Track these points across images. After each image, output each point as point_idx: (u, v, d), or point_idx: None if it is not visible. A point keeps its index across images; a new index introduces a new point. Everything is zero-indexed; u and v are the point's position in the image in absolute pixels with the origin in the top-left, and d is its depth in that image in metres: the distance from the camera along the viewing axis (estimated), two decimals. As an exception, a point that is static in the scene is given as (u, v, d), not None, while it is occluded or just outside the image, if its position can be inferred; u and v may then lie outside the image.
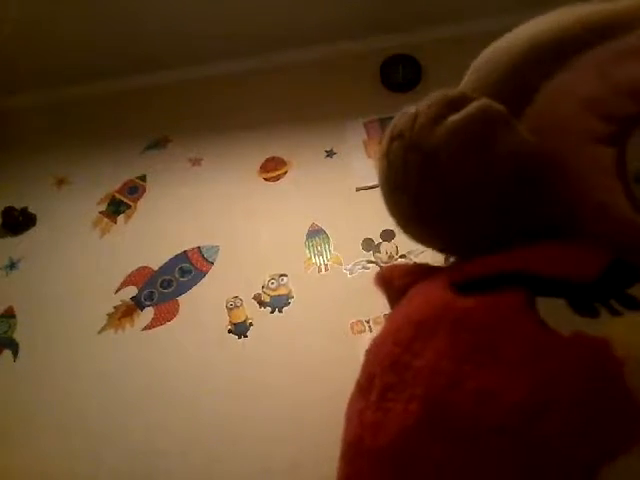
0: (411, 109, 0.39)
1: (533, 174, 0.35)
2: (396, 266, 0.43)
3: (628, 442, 0.22)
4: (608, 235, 0.33)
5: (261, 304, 1.56)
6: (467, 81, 0.47)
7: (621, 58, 0.35)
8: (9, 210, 1.81)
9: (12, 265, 1.72)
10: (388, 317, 0.38)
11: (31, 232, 1.80)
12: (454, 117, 0.36)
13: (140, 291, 1.63)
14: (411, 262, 0.44)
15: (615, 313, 0.28)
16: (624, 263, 0.31)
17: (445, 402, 0.26)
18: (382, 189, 0.41)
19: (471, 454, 0.25)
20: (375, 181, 1.74)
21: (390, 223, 1.70)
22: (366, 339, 1.44)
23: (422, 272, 0.40)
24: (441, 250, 0.43)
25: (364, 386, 0.33)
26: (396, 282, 0.40)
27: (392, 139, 0.39)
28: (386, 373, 0.31)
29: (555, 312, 0.28)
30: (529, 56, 0.40)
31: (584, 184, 0.35)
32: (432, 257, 0.54)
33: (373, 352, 0.35)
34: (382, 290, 0.43)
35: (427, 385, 0.28)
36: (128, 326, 1.58)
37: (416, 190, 0.37)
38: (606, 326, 0.26)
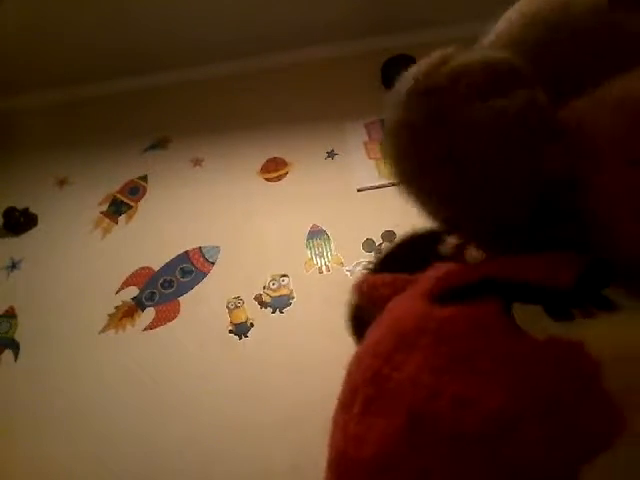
0: (452, 61, 0.32)
1: (563, 178, 0.34)
2: (373, 278, 0.43)
3: (608, 441, 0.23)
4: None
5: (262, 304, 1.56)
6: (505, 32, 0.39)
7: None
8: (10, 210, 1.81)
9: (13, 265, 1.73)
10: (368, 331, 0.37)
11: (32, 232, 1.81)
12: (499, 105, 0.32)
13: (141, 291, 1.63)
14: (387, 275, 0.43)
15: (589, 315, 0.28)
16: (601, 263, 0.32)
17: (426, 413, 0.27)
18: (390, 133, 0.36)
19: (453, 462, 0.25)
20: (376, 182, 1.73)
21: (391, 224, 1.69)
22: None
23: (401, 283, 0.40)
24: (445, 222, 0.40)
25: (347, 398, 0.33)
26: (376, 293, 0.40)
27: (418, 93, 0.33)
28: (367, 386, 0.32)
29: (530, 318, 0.29)
30: (603, 39, 0.33)
31: (612, 205, 0.33)
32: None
33: (355, 365, 0.35)
34: (360, 302, 0.43)
35: (408, 398, 0.28)
36: (129, 326, 1.58)
37: (431, 165, 0.34)
38: (580, 328, 0.27)
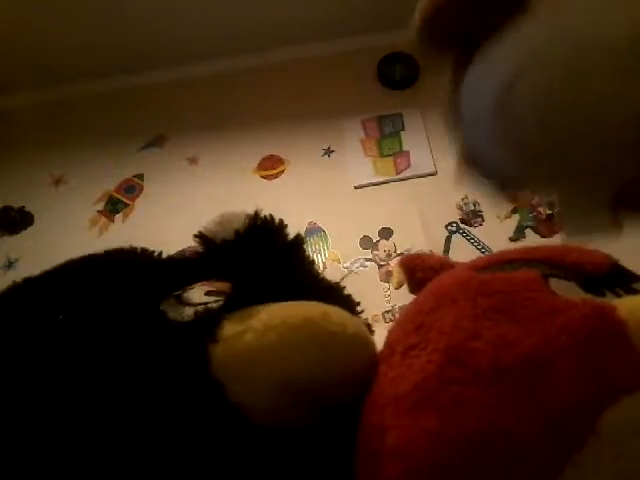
0: None
1: None
2: (421, 258, 0.45)
3: (632, 385, 0.25)
4: None
5: (259, 302, 1.56)
6: None
7: None
8: (6, 209, 1.80)
9: (9, 265, 1.72)
10: (411, 301, 0.40)
11: (28, 231, 1.80)
12: None
13: (138, 290, 1.63)
14: (435, 256, 0.47)
15: (619, 296, 0.32)
16: (623, 267, 0.36)
17: (466, 350, 0.29)
18: None
19: (489, 395, 0.27)
20: (372, 179, 1.73)
21: (388, 221, 1.69)
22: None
23: (444, 268, 0.42)
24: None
25: (386, 352, 0.35)
26: (419, 275, 0.42)
27: None
28: (409, 336, 0.33)
29: (566, 289, 0.32)
30: None
31: None
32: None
33: (396, 324, 0.37)
34: (404, 276, 0.45)
35: (448, 339, 0.30)
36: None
37: None
38: (611, 300, 0.30)
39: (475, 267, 0.36)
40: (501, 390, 0.27)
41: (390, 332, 0.36)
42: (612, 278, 0.33)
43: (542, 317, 0.29)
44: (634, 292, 0.32)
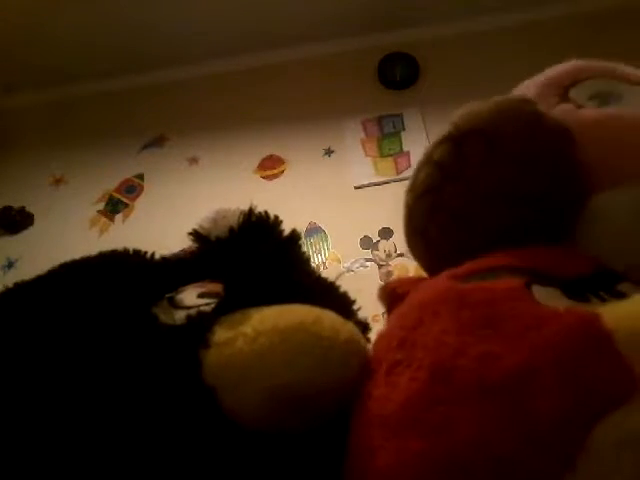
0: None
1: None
2: (398, 278, 0.45)
3: (621, 400, 0.24)
4: None
5: (259, 303, 1.56)
6: None
7: None
8: (6, 210, 1.80)
9: (10, 265, 1.72)
10: (393, 313, 0.39)
11: (29, 232, 1.80)
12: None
13: (138, 290, 1.63)
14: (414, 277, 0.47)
15: (604, 301, 0.31)
16: (607, 268, 0.34)
17: (451, 367, 0.28)
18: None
19: (476, 413, 0.27)
20: (373, 179, 1.73)
21: (388, 221, 1.69)
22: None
23: (422, 280, 0.41)
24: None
25: (371, 369, 0.34)
26: (399, 290, 0.42)
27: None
28: (393, 352, 0.33)
29: (549, 297, 0.31)
30: None
31: None
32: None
33: (378, 342, 0.36)
34: (384, 302, 0.45)
35: (433, 356, 0.30)
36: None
37: None
38: (596, 307, 0.29)
39: (455, 276, 0.35)
40: (487, 409, 0.26)
41: (374, 345, 0.36)
42: (596, 280, 0.32)
43: (526, 330, 0.28)
44: (619, 294, 0.31)
